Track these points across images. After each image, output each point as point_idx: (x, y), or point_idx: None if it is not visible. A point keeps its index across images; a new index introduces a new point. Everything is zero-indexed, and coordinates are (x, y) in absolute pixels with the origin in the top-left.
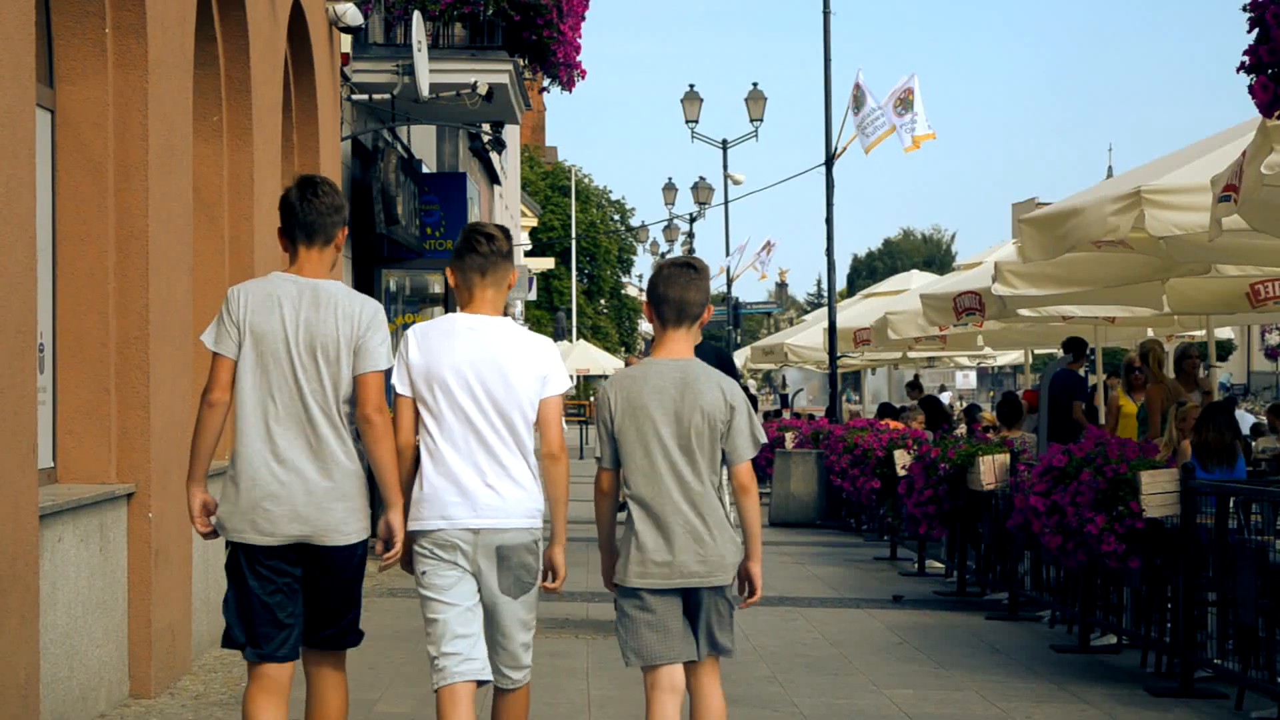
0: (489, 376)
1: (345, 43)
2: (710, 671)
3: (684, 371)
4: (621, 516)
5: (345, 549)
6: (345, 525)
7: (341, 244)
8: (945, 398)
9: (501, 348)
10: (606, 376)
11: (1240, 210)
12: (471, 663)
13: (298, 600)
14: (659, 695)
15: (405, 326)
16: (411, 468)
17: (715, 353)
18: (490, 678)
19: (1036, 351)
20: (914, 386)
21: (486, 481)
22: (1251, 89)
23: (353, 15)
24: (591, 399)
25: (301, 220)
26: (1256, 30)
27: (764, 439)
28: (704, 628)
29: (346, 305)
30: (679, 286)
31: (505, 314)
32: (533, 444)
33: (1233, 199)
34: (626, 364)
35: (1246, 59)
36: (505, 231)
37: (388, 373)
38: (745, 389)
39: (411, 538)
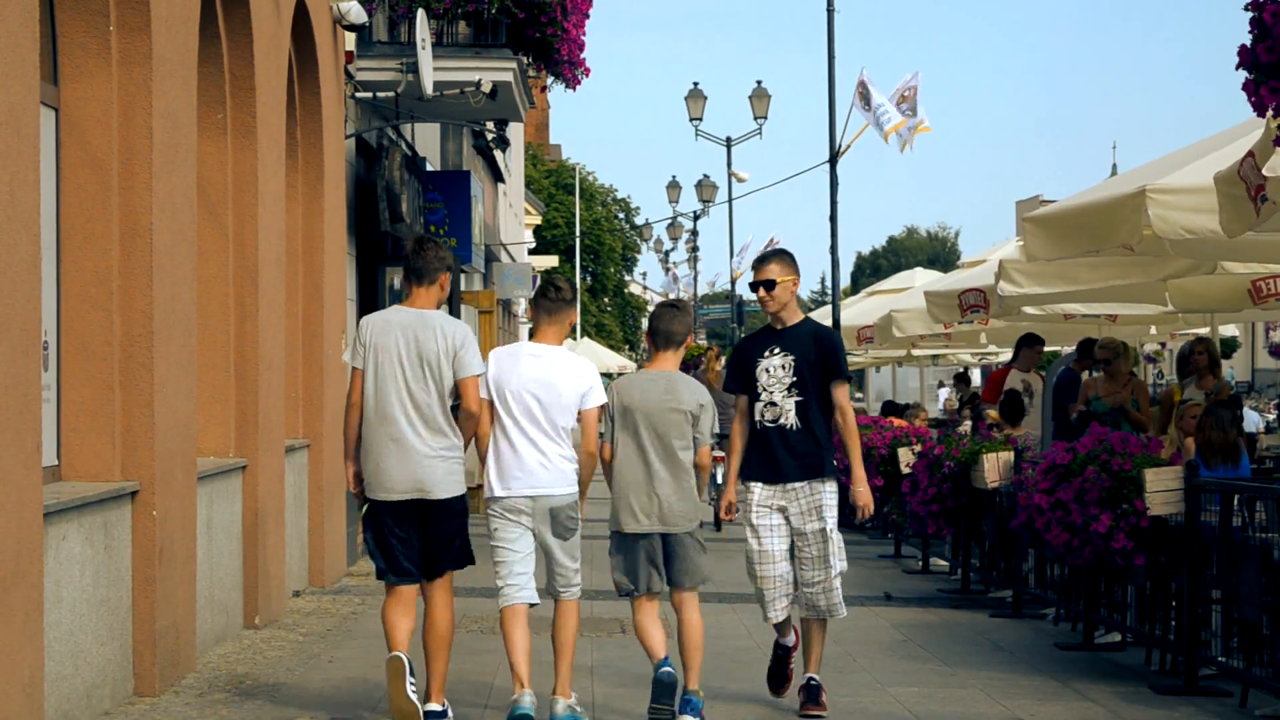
0: (541, 391)
1: (349, 40)
2: (688, 596)
3: (669, 379)
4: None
5: (445, 501)
6: (444, 484)
7: (446, 285)
8: (943, 394)
9: (554, 370)
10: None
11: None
12: (524, 591)
13: (415, 539)
14: (640, 606)
15: None
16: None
17: (816, 333)
18: (537, 600)
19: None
20: (962, 379)
21: (540, 463)
22: (1245, 86)
23: (357, 13)
24: None
25: (413, 266)
26: (1255, 30)
27: (718, 430)
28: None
29: (444, 327)
30: (667, 321)
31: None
32: (573, 439)
33: (1268, 199)
34: (640, 367)
35: (1240, 58)
36: (571, 284)
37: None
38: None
39: (488, 502)
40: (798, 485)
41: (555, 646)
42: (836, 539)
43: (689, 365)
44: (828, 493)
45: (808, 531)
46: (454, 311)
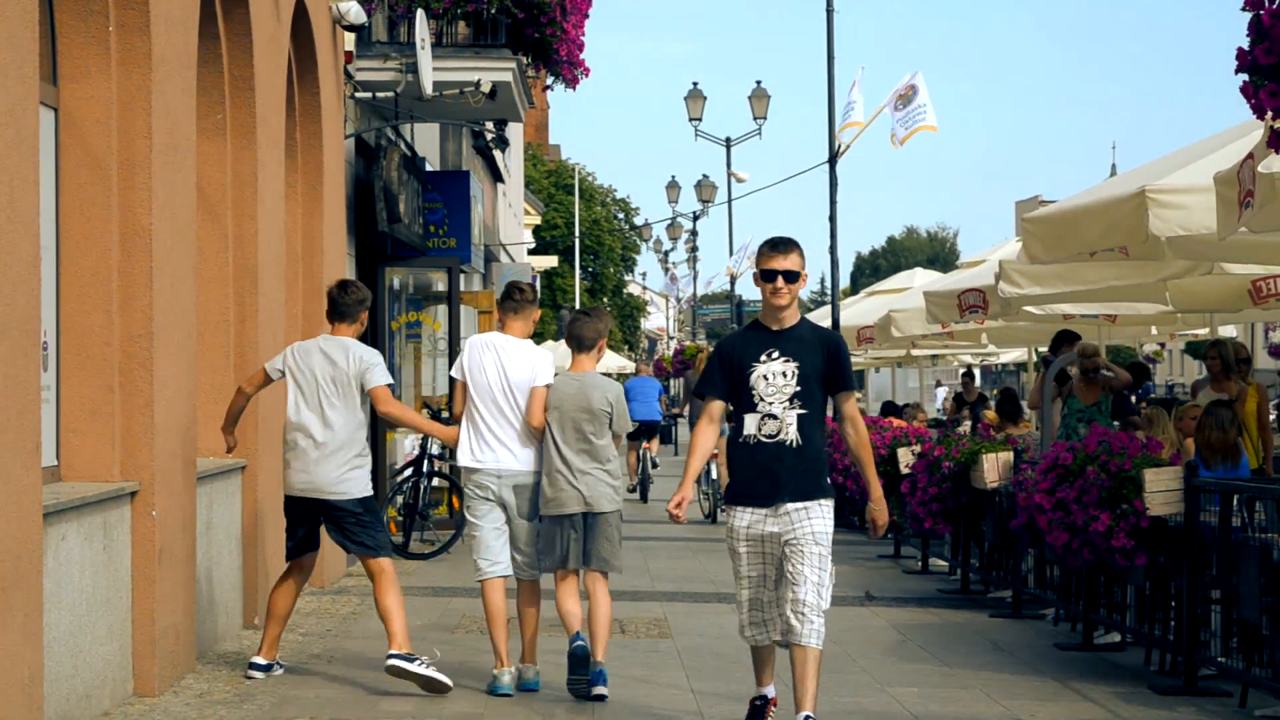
0: (509, 376)
1: (349, 41)
2: (600, 579)
3: (582, 382)
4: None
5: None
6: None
7: (365, 320)
8: (941, 394)
9: (520, 359)
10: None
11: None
12: (498, 565)
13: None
14: (561, 580)
15: (409, 324)
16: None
17: (822, 339)
18: (510, 573)
19: (1040, 349)
20: (968, 377)
21: (506, 440)
22: (1244, 89)
23: (356, 13)
24: None
25: (337, 306)
26: (1253, 32)
27: (630, 424)
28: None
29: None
30: (579, 327)
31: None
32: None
33: (1252, 205)
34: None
35: (1239, 60)
36: (533, 287)
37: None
38: None
39: (463, 476)
40: (793, 507)
41: (522, 620)
42: (828, 565)
43: (685, 365)
44: (824, 514)
45: (800, 548)
46: (453, 312)
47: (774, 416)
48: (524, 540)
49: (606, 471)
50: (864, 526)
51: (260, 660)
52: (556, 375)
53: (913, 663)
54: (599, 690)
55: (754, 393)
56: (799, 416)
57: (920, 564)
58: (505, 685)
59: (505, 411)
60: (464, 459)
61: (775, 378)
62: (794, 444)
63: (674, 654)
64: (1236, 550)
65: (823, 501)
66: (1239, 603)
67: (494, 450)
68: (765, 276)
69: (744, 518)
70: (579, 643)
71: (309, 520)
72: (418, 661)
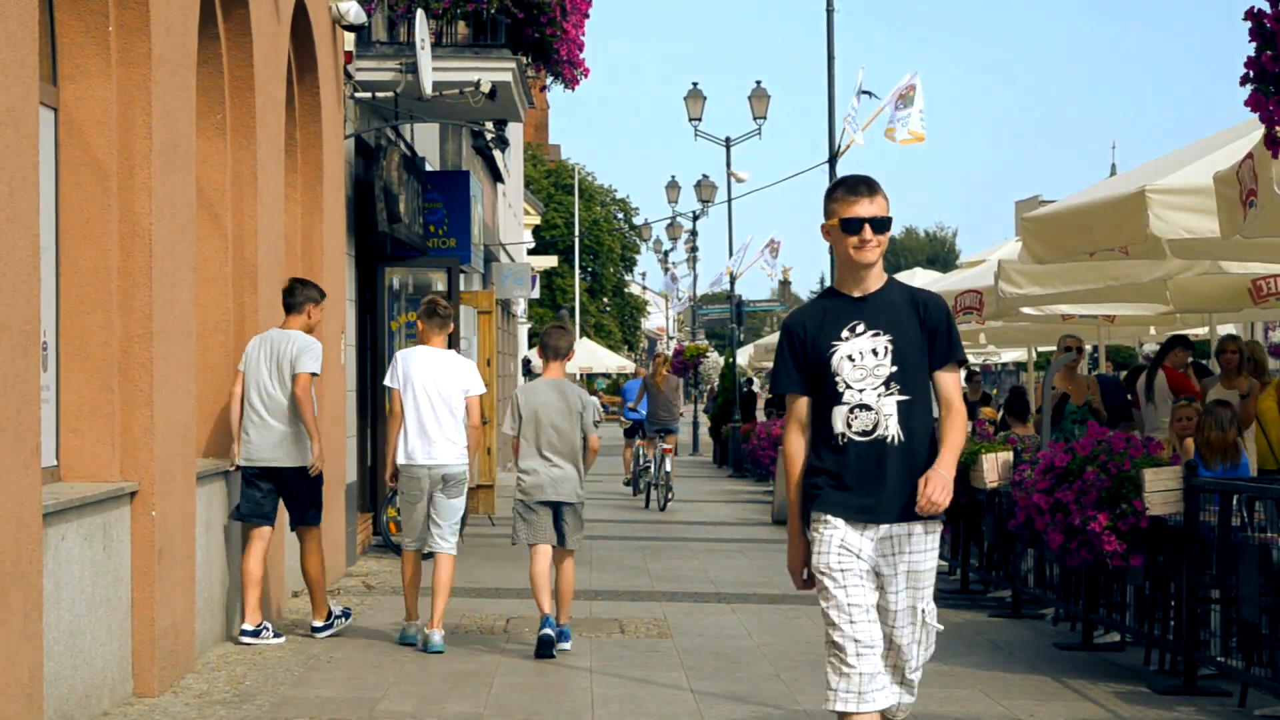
0: (439, 383)
1: (349, 41)
2: (568, 555)
3: (559, 387)
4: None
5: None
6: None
7: (313, 314)
8: None
9: (447, 367)
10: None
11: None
12: (419, 541)
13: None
14: (535, 556)
15: (409, 324)
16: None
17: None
18: (426, 550)
19: (1040, 349)
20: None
21: (437, 438)
22: (1251, 100)
23: (356, 13)
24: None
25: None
26: (1257, 38)
27: (600, 419)
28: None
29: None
30: (554, 338)
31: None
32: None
33: (1255, 204)
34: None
35: (1248, 68)
36: (452, 304)
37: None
38: (750, 382)
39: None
40: (896, 531)
41: (434, 589)
42: (931, 621)
43: (686, 365)
44: (930, 548)
45: (893, 606)
46: (454, 311)
47: (867, 407)
48: (446, 513)
49: (575, 467)
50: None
51: (316, 622)
52: (527, 384)
53: None
54: (562, 646)
55: (838, 379)
56: (899, 404)
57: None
58: (412, 635)
59: (440, 414)
60: (401, 457)
61: (864, 357)
62: (896, 440)
63: (674, 654)
64: (1236, 550)
65: (929, 526)
66: (1239, 602)
67: (429, 447)
68: (848, 227)
69: (835, 529)
70: (544, 631)
71: None
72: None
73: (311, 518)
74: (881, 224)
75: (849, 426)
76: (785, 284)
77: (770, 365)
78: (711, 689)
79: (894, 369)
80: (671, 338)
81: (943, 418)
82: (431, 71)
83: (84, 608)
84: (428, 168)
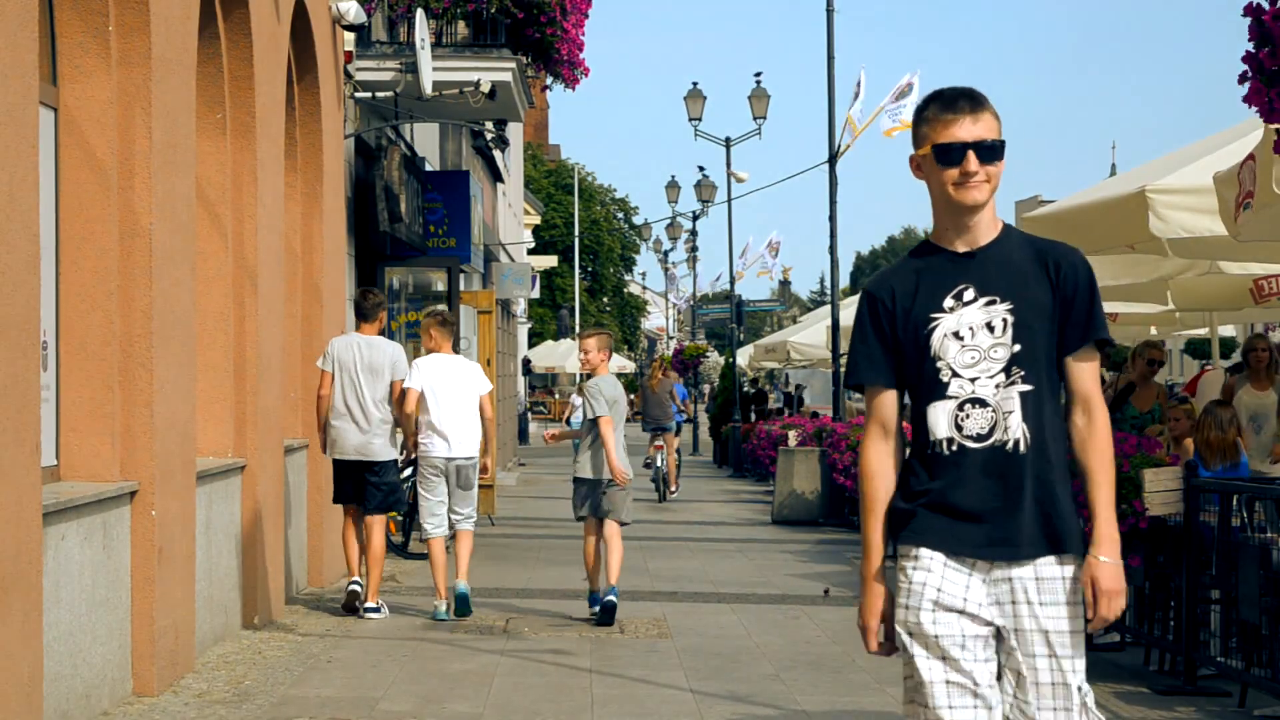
0: (454, 385)
1: (349, 40)
2: (613, 525)
3: (613, 383)
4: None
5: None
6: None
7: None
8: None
9: (457, 371)
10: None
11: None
12: (442, 526)
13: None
14: (588, 527)
15: (410, 324)
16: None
17: (1046, 255)
18: (450, 534)
19: None
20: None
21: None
22: (1250, 96)
23: (356, 13)
24: (556, 397)
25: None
26: (1255, 35)
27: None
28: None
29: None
30: (591, 333)
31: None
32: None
33: (1251, 206)
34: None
35: (1247, 64)
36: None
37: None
38: (753, 383)
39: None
40: (1022, 574)
41: (458, 554)
42: (1090, 703)
43: (687, 365)
44: (1076, 600)
45: (1031, 678)
46: (454, 312)
47: (982, 402)
48: (462, 503)
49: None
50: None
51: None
52: (595, 379)
53: None
54: (610, 599)
55: (940, 365)
56: (1023, 397)
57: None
58: (444, 613)
59: (456, 413)
60: (423, 449)
61: (975, 334)
62: (1020, 446)
63: (673, 654)
64: (1236, 550)
65: (1069, 560)
66: (1238, 603)
67: (446, 443)
68: (945, 156)
69: (930, 572)
70: (594, 609)
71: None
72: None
73: (383, 506)
74: (991, 150)
75: (958, 428)
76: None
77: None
78: (711, 689)
79: (1016, 349)
80: (671, 337)
81: (1078, 426)
82: (431, 71)
83: (84, 607)
84: (428, 167)
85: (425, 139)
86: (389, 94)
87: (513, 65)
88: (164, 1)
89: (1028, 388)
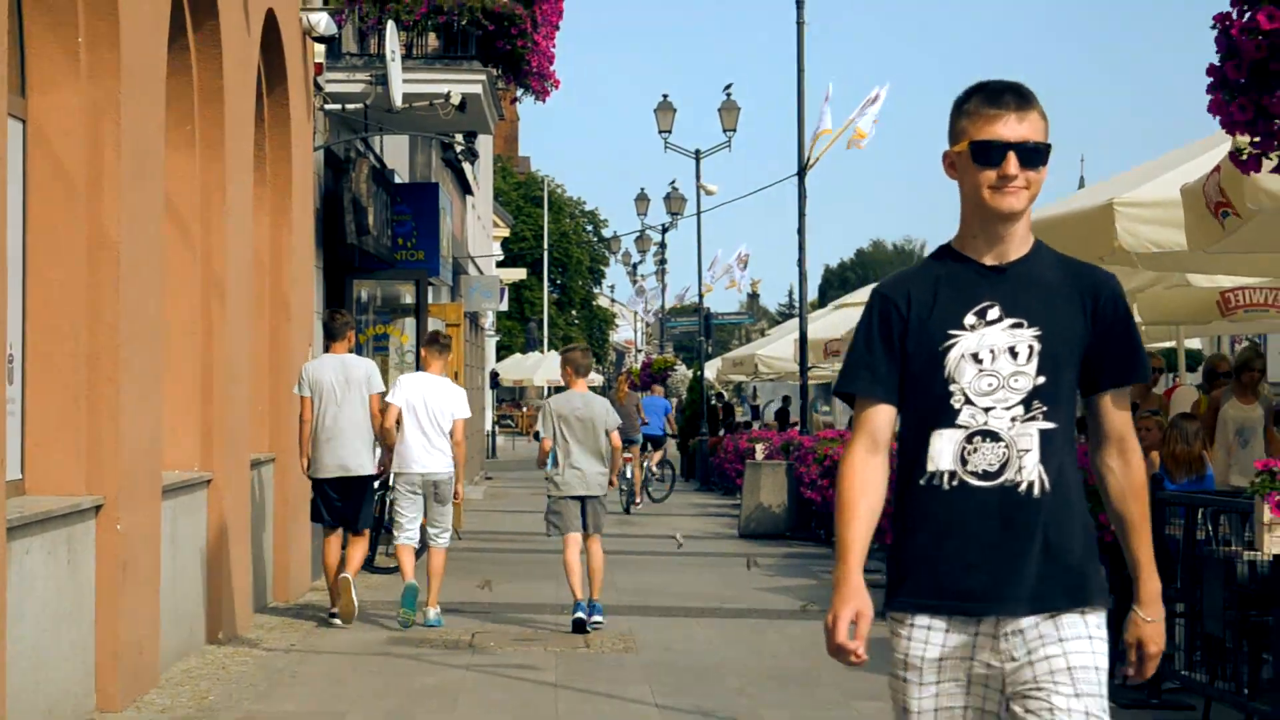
0: (435, 404)
1: (319, 52)
2: (596, 538)
3: (585, 399)
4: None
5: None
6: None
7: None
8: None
9: (440, 392)
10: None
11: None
12: (414, 539)
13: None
14: (569, 542)
15: (378, 337)
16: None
17: (1083, 281)
18: (417, 544)
19: None
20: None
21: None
22: (1213, 106)
23: (326, 25)
24: (524, 410)
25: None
26: (1222, 48)
27: (619, 421)
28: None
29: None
30: (582, 355)
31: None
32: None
33: (1231, 214)
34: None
35: (1211, 76)
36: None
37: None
38: (719, 396)
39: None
40: (1035, 625)
41: (430, 575)
42: None
43: (655, 379)
44: (1098, 634)
45: (1051, 714)
46: (421, 324)
47: (993, 435)
48: (437, 517)
49: (602, 464)
50: (831, 541)
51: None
52: (560, 394)
53: (879, 676)
54: (596, 619)
55: (952, 389)
56: (1044, 435)
57: (885, 577)
58: (410, 599)
59: (434, 431)
60: (399, 465)
61: (996, 358)
62: (1037, 490)
63: (639, 668)
64: (1201, 564)
65: (1092, 612)
66: (1202, 616)
67: (424, 459)
68: (983, 155)
69: (931, 636)
70: (577, 614)
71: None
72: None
73: (368, 520)
74: (1035, 154)
75: (962, 462)
76: (753, 297)
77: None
78: (677, 704)
79: (1040, 381)
80: (639, 350)
81: (1113, 471)
82: (401, 83)
83: (48, 622)
84: (397, 180)
85: (394, 151)
86: (359, 106)
87: (483, 77)
88: (134, 14)
89: (1049, 425)
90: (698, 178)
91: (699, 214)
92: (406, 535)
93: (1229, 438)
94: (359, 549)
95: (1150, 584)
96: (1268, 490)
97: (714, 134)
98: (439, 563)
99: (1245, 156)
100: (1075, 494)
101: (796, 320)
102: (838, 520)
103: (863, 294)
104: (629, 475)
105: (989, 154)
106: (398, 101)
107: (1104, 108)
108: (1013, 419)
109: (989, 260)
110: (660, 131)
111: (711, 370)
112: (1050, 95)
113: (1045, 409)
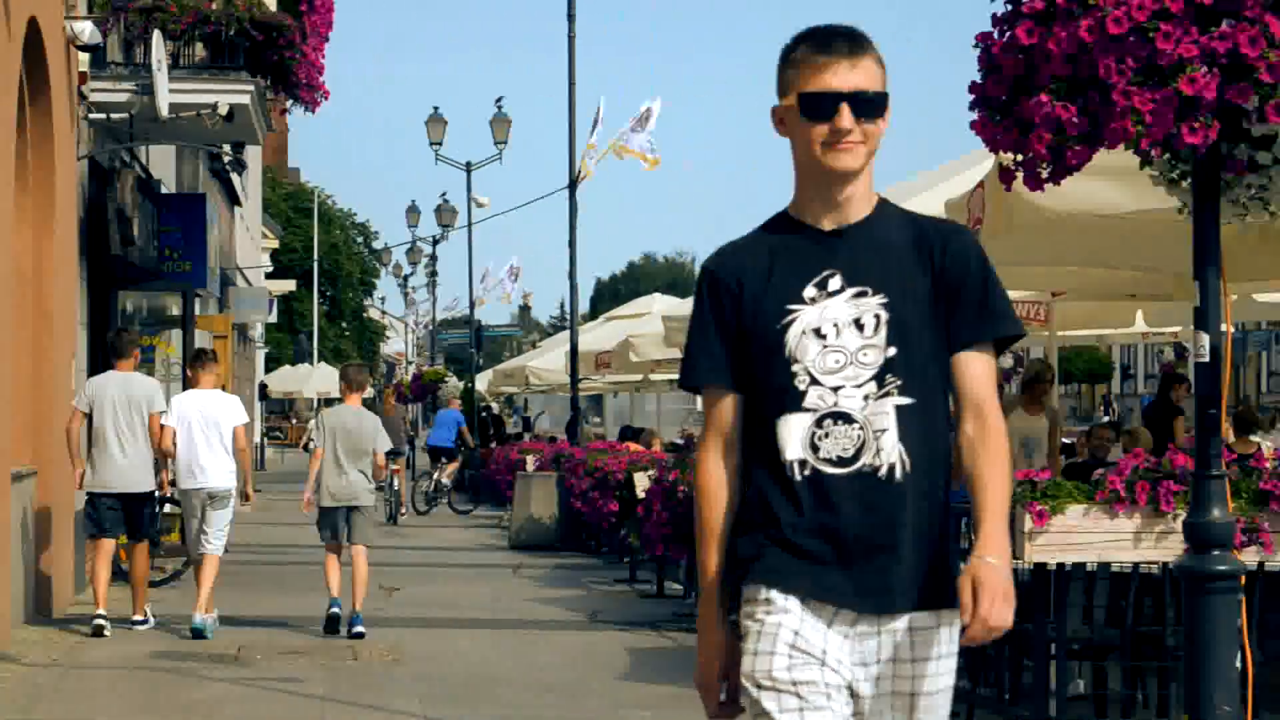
0: (210, 417)
1: (83, 61)
2: (360, 549)
3: (358, 414)
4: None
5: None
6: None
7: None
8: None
9: (213, 404)
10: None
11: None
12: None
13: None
14: (330, 549)
15: (144, 349)
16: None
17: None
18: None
19: None
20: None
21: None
22: (976, 124)
23: (91, 34)
24: (294, 423)
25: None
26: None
27: (387, 444)
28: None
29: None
30: (355, 372)
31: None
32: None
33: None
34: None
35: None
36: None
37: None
38: (488, 409)
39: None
40: (893, 622)
41: (200, 581)
42: None
43: (427, 390)
44: (948, 653)
45: None
46: (188, 336)
47: (846, 417)
48: (215, 525)
49: (366, 477)
50: (601, 552)
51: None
52: (335, 407)
53: (647, 685)
54: (358, 629)
55: (795, 369)
56: (900, 411)
57: (655, 588)
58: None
59: (209, 444)
60: (181, 482)
61: (841, 332)
62: (896, 473)
63: (408, 680)
64: None
65: (947, 616)
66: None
67: (202, 474)
68: (813, 107)
69: (788, 613)
70: (332, 610)
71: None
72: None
73: (147, 534)
74: (870, 104)
75: (813, 449)
76: (525, 309)
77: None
78: (446, 715)
79: (891, 353)
80: (410, 362)
81: (966, 435)
82: (168, 93)
83: None
84: (163, 190)
85: (161, 162)
86: (124, 116)
87: (251, 88)
88: None
89: (906, 400)
90: (469, 190)
91: (470, 226)
92: (200, 544)
93: (1014, 449)
94: (141, 556)
95: (993, 528)
96: (1028, 500)
97: (486, 147)
98: (211, 570)
99: (1006, 170)
100: (936, 477)
101: (568, 332)
102: (700, 552)
103: (634, 306)
104: (395, 487)
105: (819, 106)
106: (164, 111)
107: None
108: (865, 397)
109: (827, 225)
110: (431, 144)
111: (483, 382)
112: None
113: (899, 383)
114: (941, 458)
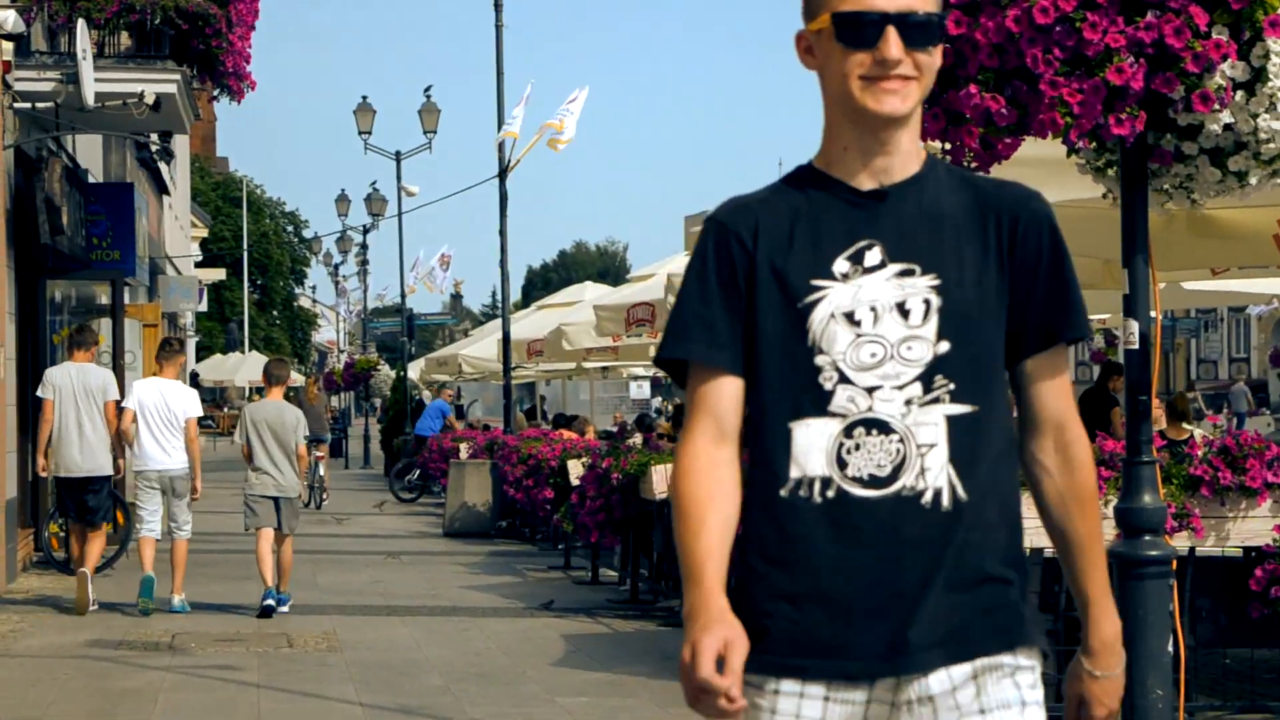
0: (167, 406)
1: (7, 50)
2: (288, 538)
3: (279, 407)
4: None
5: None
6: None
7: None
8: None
9: (170, 394)
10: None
11: None
12: (155, 530)
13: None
14: (263, 536)
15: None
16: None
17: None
18: (160, 536)
19: None
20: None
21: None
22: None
23: (14, 22)
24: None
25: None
26: None
27: (306, 434)
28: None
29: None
30: (275, 367)
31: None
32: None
33: None
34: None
35: None
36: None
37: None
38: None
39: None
40: (943, 686)
41: (174, 564)
42: None
43: (359, 378)
44: (1028, 704)
45: None
46: (117, 325)
47: (881, 425)
48: (179, 511)
49: (293, 468)
50: (535, 539)
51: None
52: (258, 402)
53: (582, 672)
54: (283, 609)
55: (820, 361)
56: (952, 423)
57: (590, 574)
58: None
59: (167, 431)
60: (138, 464)
61: (881, 319)
62: (946, 499)
63: (343, 667)
64: None
65: (1025, 659)
66: None
67: (161, 457)
68: (852, 31)
69: (804, 708)
70: (266, 601)
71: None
72: None
73: (105, 517)
74: (923, 28)
75: (840, 465)
76: (457, 298)
77: (443, 379)
78: (381, 702)
79: (943, 348)
80: (342, 351)
81: (1047, 470)
82: (94, 82)
83: None
84: (91, 179)
85: (89, 151)
86: (50, 104)
87: (177, 77)
88: None
89: (960, 409)
90: (398, 179)
91: (400, 215)
92: (148, 528)
93: None
94: (96, 544)
95: (1103, 626)
96: None
97: (416, 136)
98: (182, 552)
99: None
100: (1000, 502)
101: (500, 320)
102: (681, 535)
103: (566, 294)
104: (321, 473)
105: (860, 30)
106: (90, 100)
107: (800, 110)
108: (907, 402)
109: (865, 184)
110: (360, 133)
111: (415, 370)
112: (749, 99)
113: (953, 386)
114: (1009, 483)
